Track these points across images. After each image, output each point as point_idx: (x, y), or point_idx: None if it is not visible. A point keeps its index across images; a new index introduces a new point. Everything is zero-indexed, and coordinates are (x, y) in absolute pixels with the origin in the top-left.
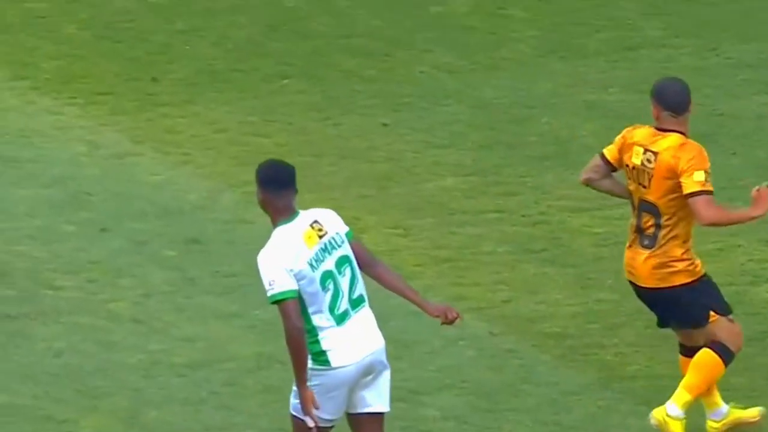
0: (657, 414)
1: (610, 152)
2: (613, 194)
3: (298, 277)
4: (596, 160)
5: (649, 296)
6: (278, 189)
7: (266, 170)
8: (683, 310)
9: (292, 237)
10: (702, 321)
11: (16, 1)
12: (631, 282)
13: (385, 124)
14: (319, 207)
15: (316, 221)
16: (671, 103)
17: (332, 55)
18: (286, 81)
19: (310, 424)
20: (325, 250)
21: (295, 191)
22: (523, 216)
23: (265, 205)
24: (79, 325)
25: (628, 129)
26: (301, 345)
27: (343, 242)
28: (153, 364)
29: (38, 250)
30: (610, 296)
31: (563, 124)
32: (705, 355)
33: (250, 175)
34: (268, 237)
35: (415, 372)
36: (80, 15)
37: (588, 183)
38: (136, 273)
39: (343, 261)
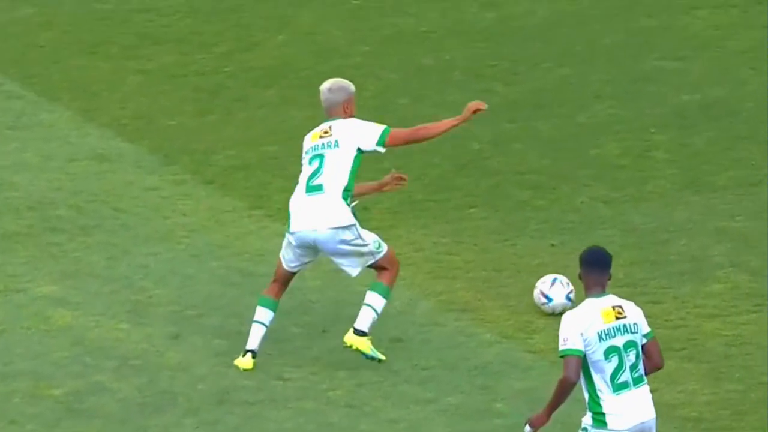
0: None
1: None
2: None
3: (586, 343)
4: None
5: None
6: (592, 269)
7: (588, 253)
8: None
9: (593, 310)
10: None
11: (256, 145)
12: None
13: (553, 245)
14: (498, 313)
15: (620, 306)
16: None
17: (509, 188)
18: (472, 209)
19: None
20: (619, 330)
21: (609, 276)
22: (666, 320)
23: (582, 279)
24: (304, 409)
25: None
26: (565, 393)
27: (636, 332)
28: None
29: (270, 348)
30: (738, 387)
31: (698, 246)
32: None
33: (443, 287)
34: (456, 338)
35: None
36: None
37: None
38: (351, 366)
39: (631, 344)
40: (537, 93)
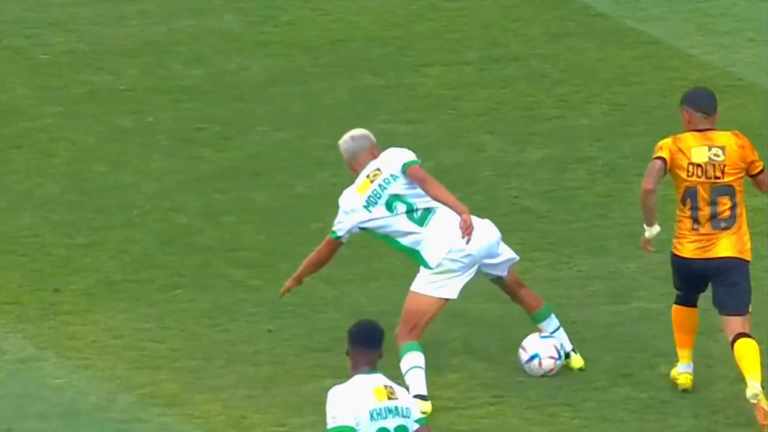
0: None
1: (666, 156)
2: (649, 207)
3: (356, 421)
4: (658, 165)
5: (722, 264)
6: (360, 345)
7: (356, 328)
8: (742, 289)
9: (364, 387)
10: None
11: None
12: (695, 261)
13: (270, 330)
14: (208, 407)
15: (391, 387)
16: (702, 106)
17: (220, 267)
18: (178, 291)
19: None
20: (390, 411)
21: (380, 353)
22: None
23: (349, 356)
24: None
25: (671, 140)
26: None
27: (408, 417)
28: None
29: None
30: None
31: (430, 330)
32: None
33: (146, 378)
34: None
35: None
36: None
37: (652, 192)
38: None
39: (402, 429)
40: (251, 159)
